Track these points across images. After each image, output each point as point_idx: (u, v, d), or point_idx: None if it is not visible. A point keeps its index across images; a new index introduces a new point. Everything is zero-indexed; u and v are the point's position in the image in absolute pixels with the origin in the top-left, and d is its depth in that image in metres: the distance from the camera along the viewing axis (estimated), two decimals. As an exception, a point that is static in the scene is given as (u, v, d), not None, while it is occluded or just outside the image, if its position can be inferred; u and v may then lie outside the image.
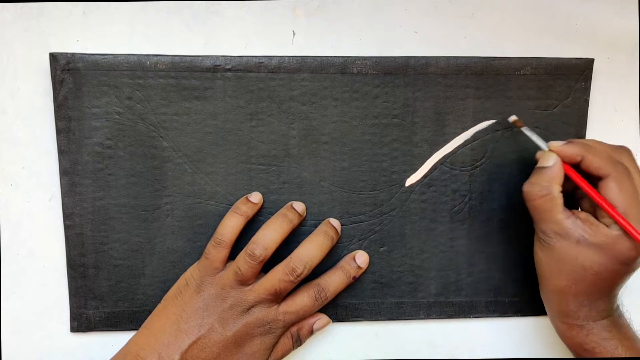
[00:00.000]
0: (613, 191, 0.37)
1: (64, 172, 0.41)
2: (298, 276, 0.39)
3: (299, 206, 0.42)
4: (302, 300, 0.41)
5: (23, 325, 0.43)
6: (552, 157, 0.39)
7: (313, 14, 0.42)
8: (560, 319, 0.41)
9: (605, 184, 0.38)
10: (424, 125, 0.43)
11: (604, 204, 0.37)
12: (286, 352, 0.42)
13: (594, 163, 0.38)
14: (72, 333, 0.43)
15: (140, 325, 0.43)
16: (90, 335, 0.44)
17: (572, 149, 0.39)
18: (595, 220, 0.38)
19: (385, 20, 0.42)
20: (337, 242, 0.43)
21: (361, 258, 0.43)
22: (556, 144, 0.39)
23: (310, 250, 0.40)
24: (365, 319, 0.45)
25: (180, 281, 0.41)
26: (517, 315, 0.46)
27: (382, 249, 0.44)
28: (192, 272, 0.41)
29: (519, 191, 0.43)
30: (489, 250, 0.45)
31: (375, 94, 0.42)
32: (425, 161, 0.43)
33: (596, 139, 0.40)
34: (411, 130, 0.43)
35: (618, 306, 0.41)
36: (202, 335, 0.39)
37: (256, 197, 0.42)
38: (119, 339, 0.43)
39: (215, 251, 0.40)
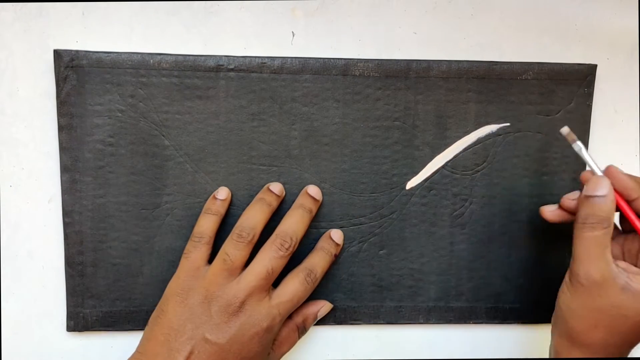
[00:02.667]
0: None
1: (64, 169, 0.41)
2: (287, 249, 0.39)
3: (276, 187, 0.41)
4: (293, 286, 0.40)
5: (23, 325, 0.43)
6: (605, 184, 0.35)
7: (312, 14, 0.42)
8: (568, 347, 0.37)
9: None
10: (425, 129, 0.43)
11: None
12: (292, 345, 0.42)
13: None
14: (69, 333, 0.43)
15: (137, 326, 0.43)
16: (87, 336, 0.43)
17: (630, 183, 0.35)
18: (636, 269, 0.36)
19: (384, 21, 0.43)
20: (317, 212, 0.42)
21: (336, 235, 0.43)
22: (615, 171, 0.36)
23: (293, 224, 0.40)
24: (364, 322, 0.44)
25: (161, 300, 0.39)
26: (518, 323, 0.45)
27: (381, 251, 0.44)
28: (171, 286, 0.39)
29: (521, 196, 0.44)
30: (489, 255, 0.44)
31: (377, 97, 0.42)
32: (426, 164, 0.43)
33: (597, 141, 0.40)
34: (412, 133, 0.43)
35: None
36: (194, 348, 0.37)
37: (223, 194, 0.41)
38: (117, 340, 0.43)
39: (196, 249, 0.39)
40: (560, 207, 0.39)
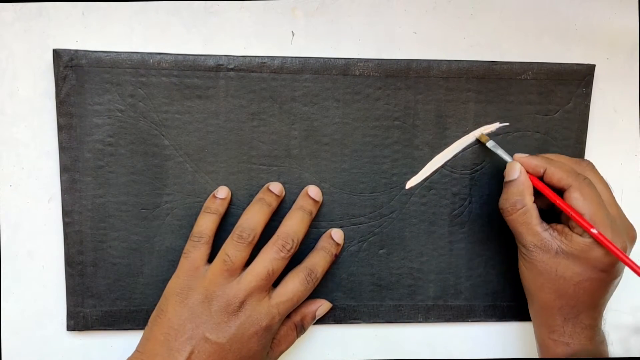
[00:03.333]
0: (577, 200, 0.38)
1: (64, 169, 0.41)
2: (289, 251, 0.39)
3: (276, 187, 0.41)
4: (294, 286, 0.40)
5: (23, 325, 0.43)
6: (516, 169, 0.40)
7: (312, 14, 0.42)
8: (547, 335, 0.41)
9: (569, 194, 0.38)
10: (425, 128, 0.43)
11: (570, 211, 0.38)
12: (290, 344, 0.42)
13: (556, 175, 0.39)
14: (69, 332, 0.43)
15: (137, 325, 0.43)
16: (87, 335, 0.43)
17: (534, 161, 0.40)
18: (570, 231, 0.39)
19: (384, 20, 0.43)
20: (318, 212, 0.43)
21: (337, 235, 0.43)
22: (520, 156, 0.41)
23: (293, 225, 0.40)
24: (363, 321, 0.44)
25: (160, 300, 0.39)
26: (515, 320, 0.46)
27: (381, 251, 0.44)
28: (170, 286, 0.39)
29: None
30: (488, 254, 0.45)
31: (377, 96, 0.42)
32: (425, 164, 0.43)
33: (596, 141, 0.41)
34: (412, 133, 0.43)
35: (602, 330, 0.41)
36: (195, 348, 0.37)
37: (223, 193, 0.41)
38: (117, 339, 0.43)
39: (195, 249, 0.39)
40: None
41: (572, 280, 0.38)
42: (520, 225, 0.39)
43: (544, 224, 0.39)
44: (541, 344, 0.42)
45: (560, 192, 0.39)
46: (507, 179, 0.40)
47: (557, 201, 0.39)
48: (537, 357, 0.44)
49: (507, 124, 0.43)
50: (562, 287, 0.39)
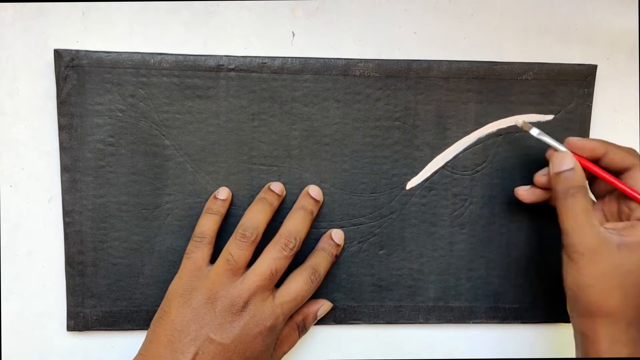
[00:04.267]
0: None
1: (65, 169, 0.41)
2: (291, 250, 0.39)
3: (277, 187, 0.41)
4: (297, 285, 0.40)
5: (23, 325, 0.43)
6: (570, 158, 0.37)
7: (312, 14, 0.42)
8: (607, 349, 0.37)
9: (630, 175, 0.37)
10: (426, 129, 0.43)
11: (632, 192, 0.36)
12: (292, 344, 0.42)
13: (618, 155, 0.37)
14: (69, 332, 0.43)
15: (137, 325, 0.43)
16: (87, 335, 0.43)
17: (592, 144, 0.37)
18: (624, 222, 0.37)
19: (384, 20, 0.43)
20: (318, 213, 0.43)
21: (337, 236, 0.43)
22: (574, 140, 0.38)
23: (296, 224, 0.40)
24: (363, 322, 0.44)
25: (163, 302, 0.39)
26: (517, 322, 0.45)
27: (381, 251, 0.44)
28: (173, 287, 0.39)
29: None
30: (489, 255, 0.45)
31: (377, 97, 0.42)
32: (426, 164, 0.43)
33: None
34: (412, 134, 0.43)
35: None
36: (199, 349, 0.36)
37: (224, 194, 0.41)
38: (117, 340, 0.43)
39: (198, 249, 0.39)
40: (534, 185, 0.41)
41: (639, 271, 0.36)
42: (581, 214, 0.36)
43: (597, 221, 0.37)
44: (583, 333, 0.38)
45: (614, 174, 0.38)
46: (557, 169, 0.38)
47: (618, 183, 0.37)
48: (537, 357, 0.44)
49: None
50: (630, 282, 0.36)
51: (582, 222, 0.36)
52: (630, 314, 0.36)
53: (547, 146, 0.40)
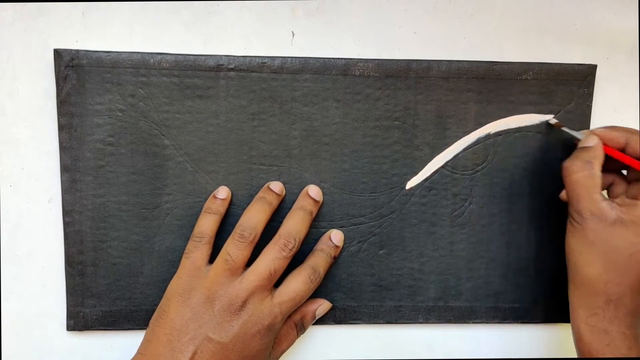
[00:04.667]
0: None
1: (64, 169, 0.41)
2: (291, 250, 0.39)
3: (276, 186, 0.42)
4: (297, 285, 0.40)
5: (23, 325, 0.43)
6: (593, 138, 0.40)
7: (312, 14, 0.42)
8: (585, 319, 0.39)
9: None
10: (425, 129, 0.43)
11: None
12: (291, 343, 0.42)
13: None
14: (69, 332, 0.43)
15: (137, 325, 0.43)
16: (87, 335, 0.43)
17: (616, 132, 0.40)
18: (632, 200, 0.39)
19: (384, 20, 0.43)
20: (318, 212, 0.43)
21: (337, 237, 0.43)
22: (599, 129, 0.41)
23: (295, 225, 0.40)
24: (363, 322, 0.44)
25: (162, 301, 0.39)
26: (517, 322, 0.45)
27: (381, 251, 0.44)
28: (172, 287, 0.39)
29: (520, 196, 0.44)
30: (489, 255, 0.44)
31: (377, 97, 0.42)
32: (426, 164, 0.43)
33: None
34: (412, 133, 0.43)
35: None
36: (198, 348, 0.37)
37: (223, 193, 0.41)
38: (117, 339, 0.43)
39: (197, 249, 0.39)
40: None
41: (627, 251, 0.38)
42: (581, 189, 0.39)
43: (604, 195, 0.39)
44: (577, 332, 0.40)
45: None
46: (581, 145, 0.40)
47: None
48: (537, 357, 0.44)
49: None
50: (613, 258, 0.38)
51: (582, 195, 0.39)
52: (610, 290, 0.38)
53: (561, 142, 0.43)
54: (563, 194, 0.41)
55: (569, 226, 0.40)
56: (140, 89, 0.41)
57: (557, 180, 0.43)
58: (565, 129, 0.42)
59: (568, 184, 0.40)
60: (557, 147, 0.44)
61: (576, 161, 0.39)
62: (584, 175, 0.39)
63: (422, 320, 0.45)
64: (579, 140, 0.41)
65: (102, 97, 0.41)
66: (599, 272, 0.38)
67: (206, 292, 0.38)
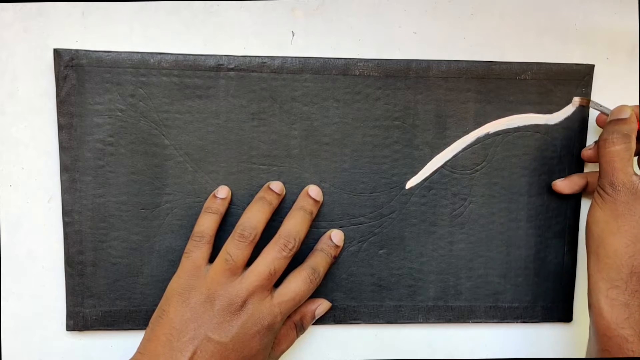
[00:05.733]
0: None
1: (64, 169, 0.41)
2: (291, 250, 0.39)
3: (276, 186, 0.42)
4: (296, 285, 0.40)
5: (23, 325, 0.43)
6: (627, 109, 0.40)
7: (312, 14, 0.42)
8: (606, 292, 0.38)
9: None
10: (425, 128, 0.43)
11: None
12: (291, 343, 0.42)
13: None
14: (69, 332, 0.43)
15: (137, 325, 0.43)
16: (87, 335, 0.43)
17: None
18: None
19: (384, 20, 0.43)
20: (318, 212, 0.43)
21: (337, 237, 0.43)
22: (630, 105, 0.40)
23: (295, 225, 0.40)
24: (363, 321, 0.44)
25: (162, 301, 0.39)
26: (516, 322, 0.46)
27: (381, 251, 0.44)
28: (172, 286, 0.39)
29: (519, 195, 0.44)
30: (488, 254, 0.45)
31: (377, 96, 0.42)
32: (425, 164, 0.43)
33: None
34: (412, 133, 0.43)
35: None
36: (197, 348, 0.37)
37: (223, 192, 0.41)
38: (117, 339, 0.43)
39: (197, 248, 0.39)
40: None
41: None
42: (618, 161, 0.39)
43: (633, 169, 0.39)
44: (596, 306, 0.39)
45: None
46: (614, 117, 0.40)
47: None
48: (537, 357, 0.44)
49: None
50: (636, 234, 0.38)
51: (617, 167, 0.39)
52: (636, 262, 0.38)
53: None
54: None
55: (596, 198, 0.40)
56: (140, 89, 0.41)
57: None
58: (592, 102, 0.43)
59: (604, 155, 0.39)
60: (557, 147, 0.44)
61: (615, 134, 0.39)
62: (622, 148, 0.39)
63: (421, 320, 0.45)
64: (606, 114, 0.41)
65: (102, 97, 0.41)
66: (625, 244, 0.38)
67: (206, 292, 0.38)
